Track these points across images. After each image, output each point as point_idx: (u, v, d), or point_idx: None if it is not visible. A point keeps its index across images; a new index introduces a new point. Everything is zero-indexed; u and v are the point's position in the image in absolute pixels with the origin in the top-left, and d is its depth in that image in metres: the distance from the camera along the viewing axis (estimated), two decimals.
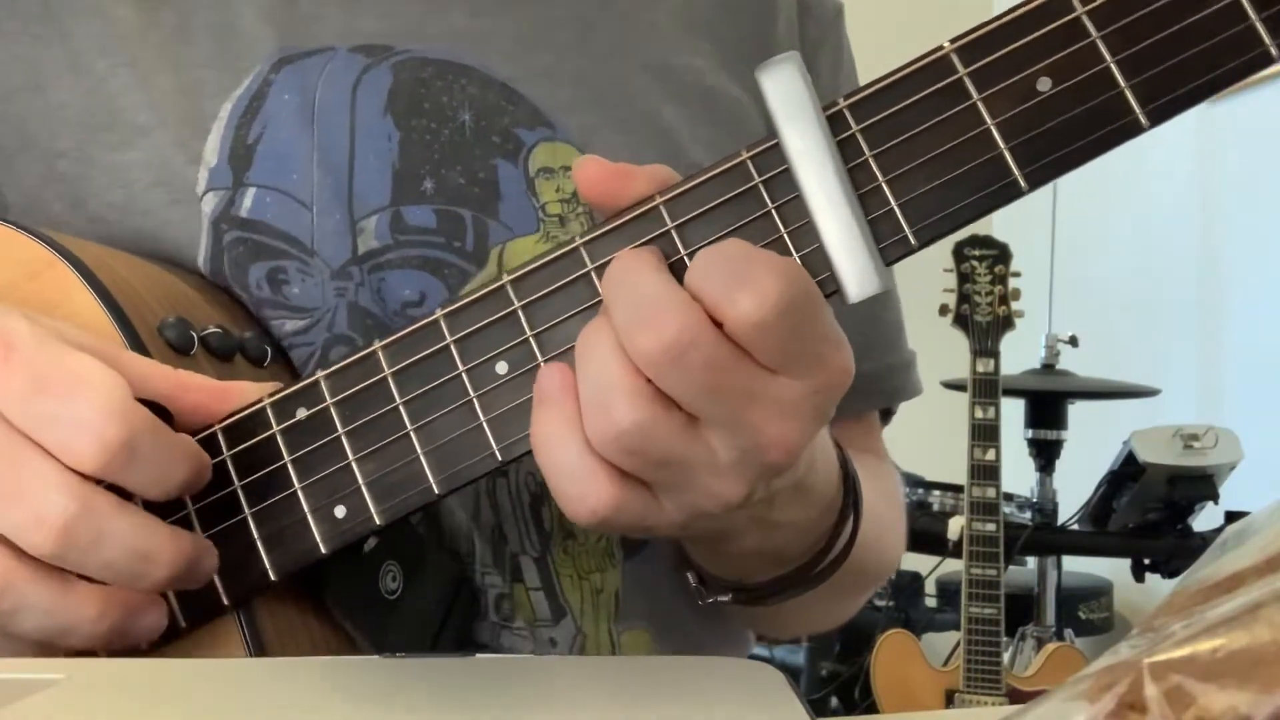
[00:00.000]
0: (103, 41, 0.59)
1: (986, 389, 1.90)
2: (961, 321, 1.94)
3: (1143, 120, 0.41)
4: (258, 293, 0.56)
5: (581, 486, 0.41)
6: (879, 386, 0.71)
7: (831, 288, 0.42)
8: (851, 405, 0.44)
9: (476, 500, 0.57)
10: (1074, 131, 0.41)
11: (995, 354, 1.91)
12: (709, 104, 0.64)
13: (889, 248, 0.42)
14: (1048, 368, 2.22)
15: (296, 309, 0.56)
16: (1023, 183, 0.41)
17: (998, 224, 3.11)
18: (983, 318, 1.92)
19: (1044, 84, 0.41)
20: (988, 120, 0.41)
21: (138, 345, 0.48)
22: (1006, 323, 1.92)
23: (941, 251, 2.00)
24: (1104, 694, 0.23)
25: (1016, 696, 1.86)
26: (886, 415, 0.76)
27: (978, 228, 2.07)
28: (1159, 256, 2.77)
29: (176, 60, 0.58)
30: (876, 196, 0.42)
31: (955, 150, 0.42)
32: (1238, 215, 2.53)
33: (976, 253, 1.95)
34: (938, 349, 2.14)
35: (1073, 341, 2.18)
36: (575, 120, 0.60)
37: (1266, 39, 0.39)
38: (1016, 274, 1.96)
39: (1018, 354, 2.08)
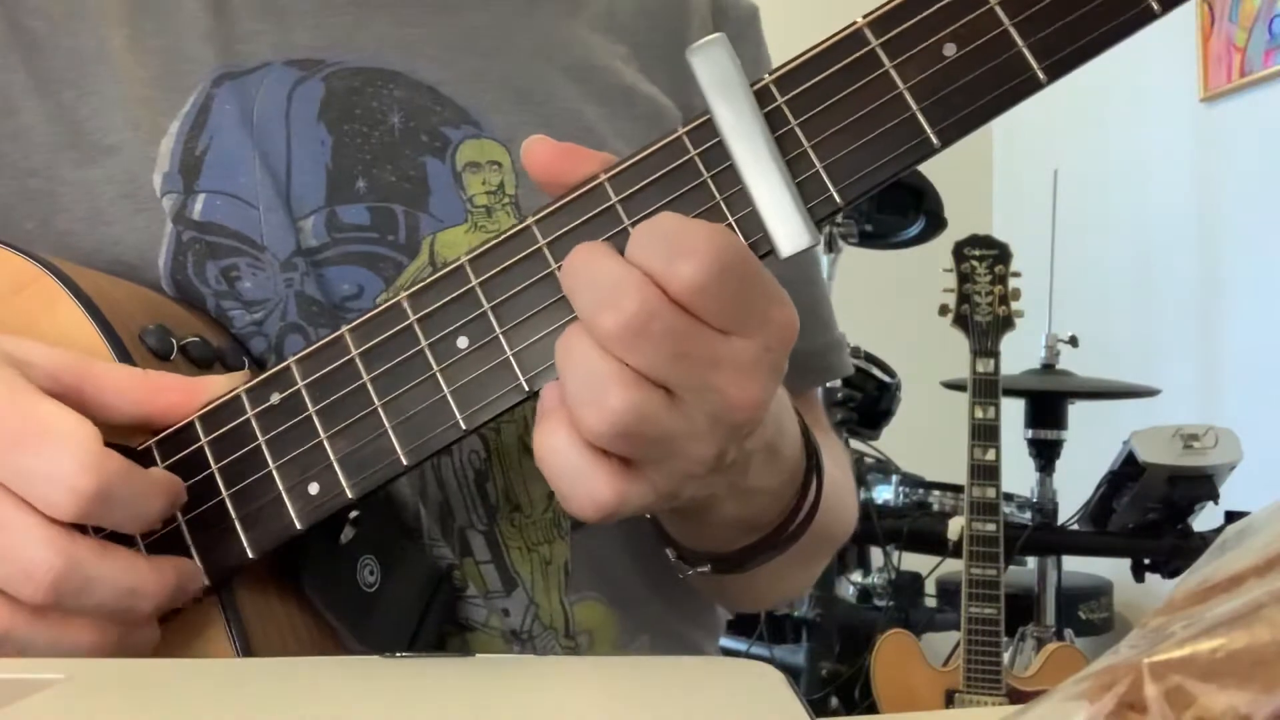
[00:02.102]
0: (65, 65, 0.62)
1: (986, 389, 1.89)
2: (961, 321, 1.94)
3: (1041, 76, 0.43)
4: (217, 287, 0.58)
5: (587, 483, 0.43)
6: (814, 364, 0.74)
7: (765, 248, 0.45)
8: (790, 383, 0.48)
9: (423, 477, 0.59)
10: (979, 90, 0.44)
11: (995, 354, 1.91)
12: (627, 102, 0.67)
13: (817, 206, 0.45)
14: (1048, 368, 2.22)
15: (250, 302, 0.58)
16: (935, 140, 0.44)
17: (998, 224, 3.12)
18: (983, 318, 1.92)
19: (949, 49, 0.44)
20: (900, 85, 0.44)
21: (121, 351, 0.50)
22: (1006, 323, 1.92)
23: (942, 251, 2.00)
24: (1104, 694, 0.23)
25: (1016, 696, 1.86)
26: None
27: (978, 227, 2.07)
28: (1159, 257, 2.77)
29: (131, 80, 0.61)
30: (803, 160, 0.45)
31: (872, 114, 0.44)
32: (1237, 215, 2.53)
33: (976, 253, 1.95)
34: (938, 349, 2.15)
35: (1073, 341, 2.18)
36: (500, 119, 0.63)
37: None
38: (1016, 274, 1.96)
39: (1018, 354, 2.08)
